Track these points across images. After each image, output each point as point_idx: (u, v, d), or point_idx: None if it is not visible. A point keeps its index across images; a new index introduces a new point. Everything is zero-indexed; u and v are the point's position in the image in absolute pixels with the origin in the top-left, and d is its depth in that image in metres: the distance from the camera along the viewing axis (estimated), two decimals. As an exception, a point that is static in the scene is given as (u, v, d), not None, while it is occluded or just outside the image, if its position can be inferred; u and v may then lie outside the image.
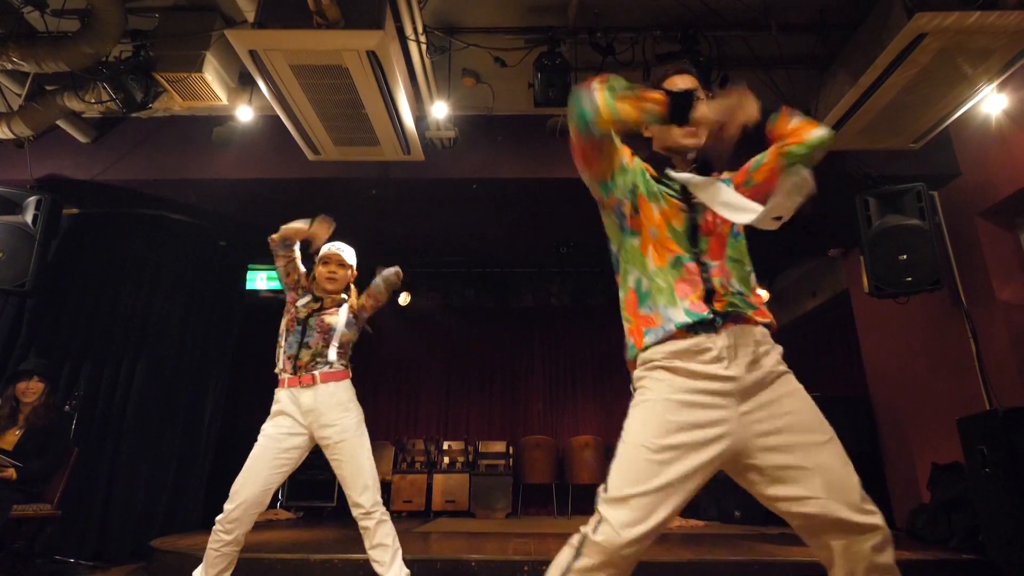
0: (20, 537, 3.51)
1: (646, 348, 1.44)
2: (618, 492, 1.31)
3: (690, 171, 1.56)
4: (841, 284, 6.05)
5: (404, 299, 6.98)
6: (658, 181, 1.57)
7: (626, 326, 1.52)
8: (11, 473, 3.36)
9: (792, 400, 1.41)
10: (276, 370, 2.78)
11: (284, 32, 3.10)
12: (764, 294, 7.54)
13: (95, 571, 3.83)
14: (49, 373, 3.90)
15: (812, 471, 1.32)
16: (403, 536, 2.81)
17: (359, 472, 2.72)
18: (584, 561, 1.29)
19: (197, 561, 2.59)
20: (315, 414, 2.69)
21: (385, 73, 3.33)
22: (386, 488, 6.45)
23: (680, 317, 1.41)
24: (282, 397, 2.71)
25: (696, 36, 3.74)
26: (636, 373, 1.47)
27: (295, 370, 2.73)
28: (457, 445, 6.93)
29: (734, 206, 1.45)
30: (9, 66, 3.48)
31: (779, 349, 1.49)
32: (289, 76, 3.34)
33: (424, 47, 3.71)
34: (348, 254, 2.93)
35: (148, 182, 4.50)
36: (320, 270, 2.87)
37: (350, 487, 2.70)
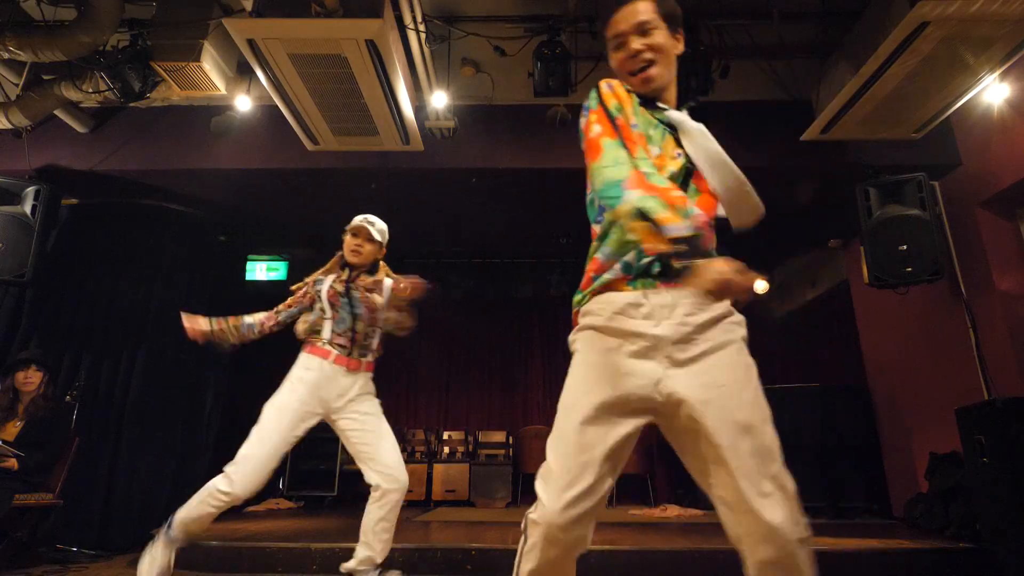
0: (22, 526, 3.53)
1: (591, 289, 1.38)
2: (546, 463, 1.28)
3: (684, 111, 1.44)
4: (841, 274, 6.05)
5: (404, 290, 6.98)
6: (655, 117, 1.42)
7: None
8: (12, 463, 3.38)
9: (726, 373, 1.28)
10: (315, 340, 2.73)
11: (282, 21, 3.08)
12: (763, 284, 7.49)
13: (97, 560, 3.85)
14: (47, 362, 3.91)
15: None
16: (404, 525, 2.83)
17: (396, 445, 2.78)
18: (529, 542, 1.27)
19: (199, 550, 2.60)
20: (347, 399, 2.72)
21: (384, 62, 3.31)
22: (386, 478, 6.45)
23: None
24: (322, 368, 2.67)
25: (697, 24, 3.71)
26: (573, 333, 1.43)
27: (349, 348, 2.72)
28: (457, 435, 6.96)
29: (724, 166, 1.34)
30: (6, 55, 3.46)
31: (738, 319, 1.36)
32: (287, 65, 3.33)
33: (423, 36, 3.69)
34: (377, 230, 2.86)
35: (147, 172, 4.49)
36: (348, 240, 2.84)
37: (394, 458, 2.72)
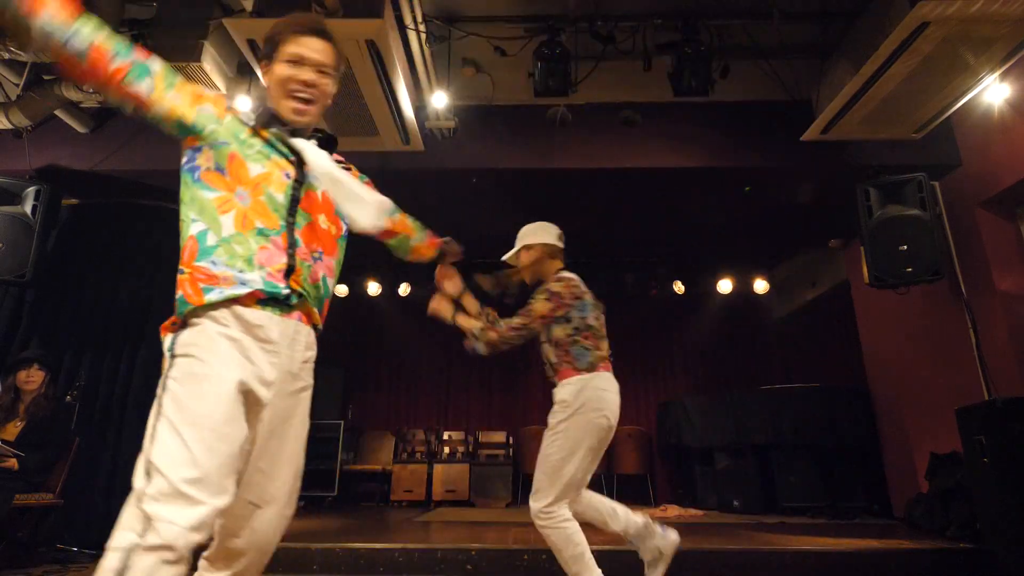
0: (23, 527, 3.54)
1: (207, 306, 1.31)
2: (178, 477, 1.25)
3: (312, 141, 1.52)
4: (841, 274, 6.05)
5: (404, 290, 6.99)
6: (266, 141, 1.47)
7: (180, 276, 1.37)
8: (13, 463, 3.38)
9: (293, 426, 1.42)
10: (606, 356, 2.62)
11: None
12: (764, 285, 7.48)
13: (98, 560, 3.85)
14: (49, 362, 3.91)
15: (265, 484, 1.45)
16: (404, 525, 2.82)
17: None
18: None
19: (199, 549, 2.58)
20: None
21: (384, 63, 3.31)
22: (387, 478, 6.50)
23: (256, 283, 1.33)
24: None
25: (696, 25, 3.71)
26: (182, 336, 1.31)
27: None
28: (457, 435, 6.96)
29: (361, 200, 1.47)
30: (6, 55, 3.46)
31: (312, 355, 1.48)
32: (288, 65, 3.32)
33: (423, 36, 3.69)
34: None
35: (147, 172, 4.49)
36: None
37: None
